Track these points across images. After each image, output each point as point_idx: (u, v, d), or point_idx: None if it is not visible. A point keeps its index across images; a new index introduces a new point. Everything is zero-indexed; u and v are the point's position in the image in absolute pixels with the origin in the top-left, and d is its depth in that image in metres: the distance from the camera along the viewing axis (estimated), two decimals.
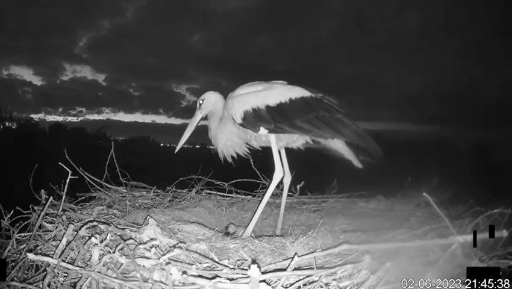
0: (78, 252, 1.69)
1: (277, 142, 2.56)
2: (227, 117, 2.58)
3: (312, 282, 1.50)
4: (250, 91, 2.53)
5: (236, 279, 1.50)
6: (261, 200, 2.55)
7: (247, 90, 2.55)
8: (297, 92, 2.46)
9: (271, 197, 3.35)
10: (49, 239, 1.96)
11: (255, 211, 2.49)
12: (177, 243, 1.79)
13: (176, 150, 2.80)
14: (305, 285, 1.50)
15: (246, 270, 1.39)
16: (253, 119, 2.41)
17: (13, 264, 1.86)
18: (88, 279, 1.54)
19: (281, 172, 2.49)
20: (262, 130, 2.41)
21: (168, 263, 1.50)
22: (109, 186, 2.95)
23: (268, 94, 2.46)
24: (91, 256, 1.62)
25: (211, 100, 2.69)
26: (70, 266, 1.56)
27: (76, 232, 1.78)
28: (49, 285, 1.60)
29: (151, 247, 1.66)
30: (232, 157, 2.68)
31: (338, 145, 2.57)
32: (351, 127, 2.42)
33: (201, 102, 2.71)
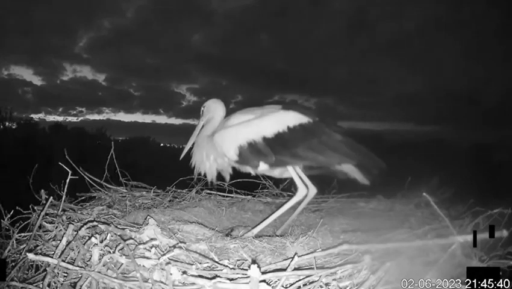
0: (78, 252, 1.69)
1: (272, 171, 2.41)
2: (219, 153, 2.36)
3: (312, 282, 1.50)
4: (240, 122, 2.31)
5: (236, 279, 1.50)
6: (275, 211, 2.47)
7: (237, 120, 2.35)
8: (294, 117, 2.27)
9: (271, 197, 3.37)
10: (49, 239, 1.96)
11: (265, 219, 2.44)
12: (178, 243, 1.79)
13: (181, 157, 2.74)
14: (305, 285, 1.50)
15: (246, 270, 1.39)
16: (251, 154, 2.20)
17: (13, 264, 1.86)
18: (88, 279, 1.54)
19: (304, 190, 2.36)
20: (262, 166, 2.23)
21: (168, 263, 1.50)
22: (109, 186, 2.95)
23: (262, 124, 2.24)
24: (91, 256, 1.62)
25: (211, 107, 2.62)
26: (70, 266, 1.56)
27: (76, 232, 1.78)
28: (49, 285, 1.60)
29: (151, 247, 1.66)
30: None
31: (343, 166, 2.44)
32: (355, 146, 2.28)
33: (203, 108, 2.65)
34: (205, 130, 2.60)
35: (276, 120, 2.25)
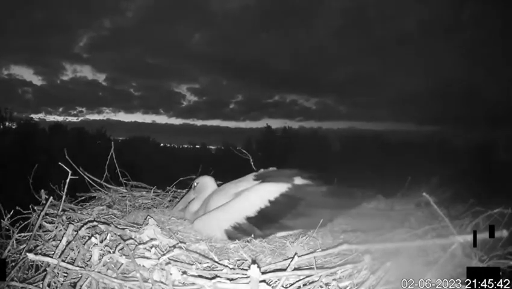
0: (78, 252, 1.69)
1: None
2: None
3: (312, 282, 1.50)
4: (214, 208, 2.33)
5: (236, 279, 1.50)
6: None
7: (216, 203, 2.37)
8: (272, 189, 2.22)
9: None
10: (49, 239, 1.96)
11: None
12: (178, 243, 1.79)
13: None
14: (305, 285, 1.50)
15: (246, 270, 1.39)
16: (238, 235, 2.19)
17: (13, 264, 1.86)
18: (88, 279, 1.54)
19: None
20: (254, 240, 2.18)
21: (168, 263, 1.50)
22: (109, 186, 2.95)
23: (239, 205, 2.23)
24: (91, 256, 1.62)
25: (204, 184, 2.69)
26: (70, 266, 1.56)
27: (76, 232, 1.78)
28: (49, 285, 1.60)
29: (151, 247, 1.66)
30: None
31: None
32: (342, 192, 2.31)
33: (195, 184, 2.71)
34: (193, 206, 2.62)
35: (255, 197, 2.23)
